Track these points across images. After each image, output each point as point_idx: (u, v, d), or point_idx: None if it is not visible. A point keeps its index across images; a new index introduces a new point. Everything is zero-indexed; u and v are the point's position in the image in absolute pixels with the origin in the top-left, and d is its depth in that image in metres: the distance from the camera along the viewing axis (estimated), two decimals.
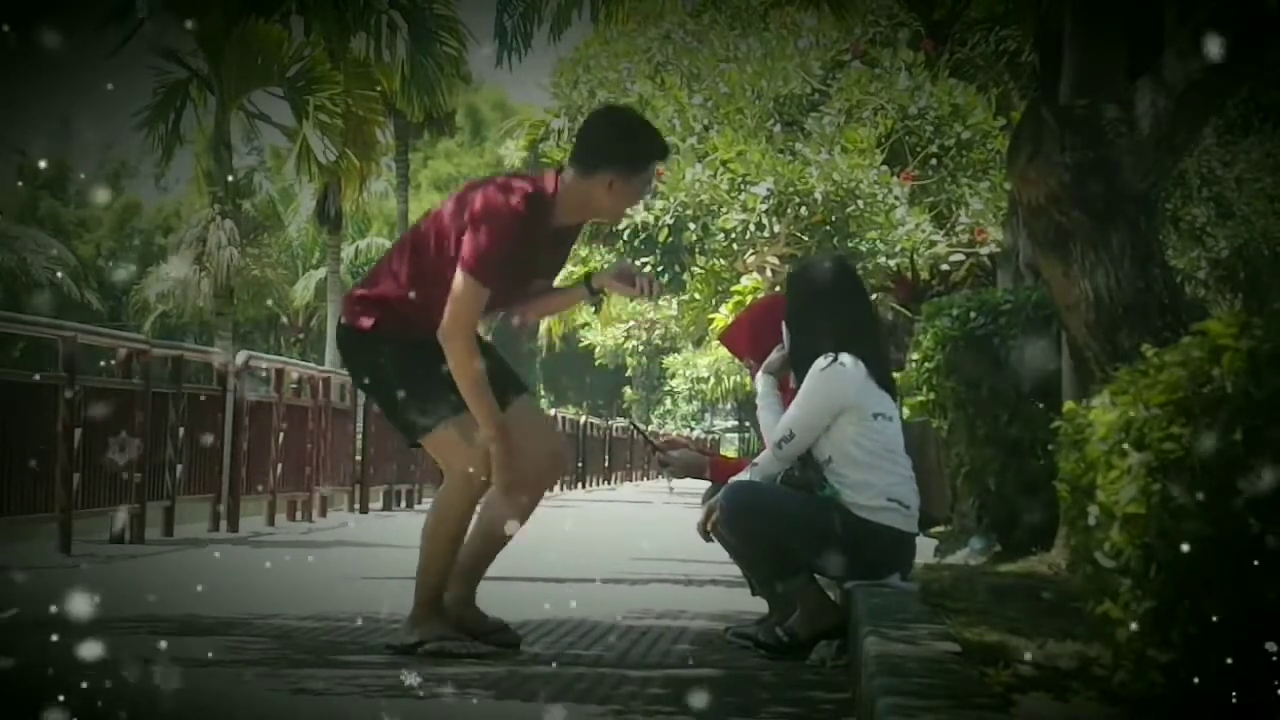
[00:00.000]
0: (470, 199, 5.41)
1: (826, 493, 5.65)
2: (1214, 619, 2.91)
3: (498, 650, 5.44)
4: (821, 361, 5.70)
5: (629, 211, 16.91)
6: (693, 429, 56.82)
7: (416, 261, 5.46)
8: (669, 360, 48.71)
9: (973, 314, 8.87)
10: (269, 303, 48.13)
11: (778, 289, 17.38)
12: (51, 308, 39.77)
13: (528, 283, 5.64)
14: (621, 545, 11.69)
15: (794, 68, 18.40)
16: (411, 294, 5.41)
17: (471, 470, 5.43)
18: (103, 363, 11.49)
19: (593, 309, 26.75)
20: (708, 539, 5.90)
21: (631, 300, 17.48)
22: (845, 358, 5.70)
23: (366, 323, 5.48)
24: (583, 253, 18.97)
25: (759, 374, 5.98)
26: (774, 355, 5.95)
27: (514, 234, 5.33)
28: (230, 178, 29.42)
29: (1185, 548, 2.92)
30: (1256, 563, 2.85)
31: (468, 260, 5.31)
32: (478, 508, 5.56)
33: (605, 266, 18.31)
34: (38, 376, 9.85)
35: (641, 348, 41.41)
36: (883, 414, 5.74)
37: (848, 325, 5.84)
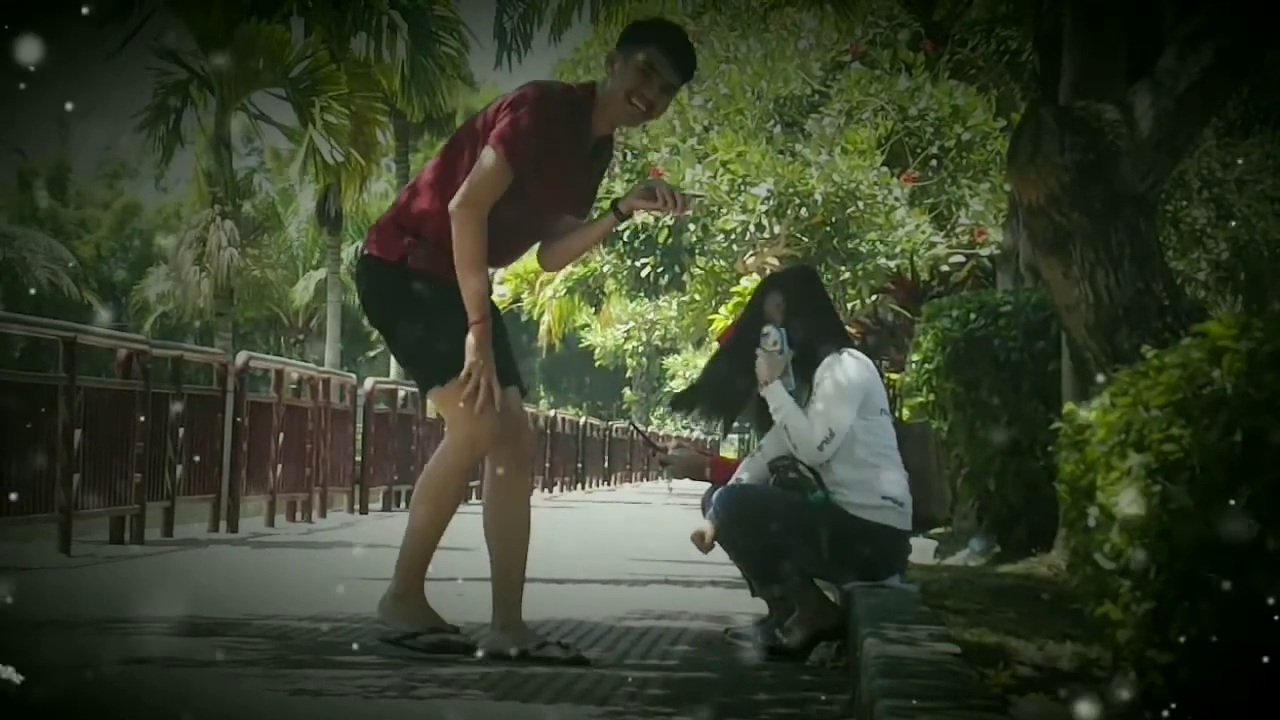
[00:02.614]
0: (505, 99, 5.29)
1: (819, 496, 5.64)
2: (1213, 621, 2.91)
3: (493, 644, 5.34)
4: (836, 355, 5.72)
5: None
6: (692, 430, 56.80)
7: (450, 179, 5.27)
8: (669, 361, 48.68)
9: (973, 315, 8.87)
10: (269, 304, 48.19)
11: None
12: (51, 308, 39.77)
13: (558, 199, 5.42)
14: (621, 546, 11.69)
15: (794, 69, 18.41)
16: (442, 218, 5.20)
17: (466, 438, 5.29)
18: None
19: (593, 309, 26.74)
20: (706, 549, 5.88)
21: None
22: (855, 351, 5.77)
23: (395, 254, 5.28)
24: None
25: (770, 387, 5.85)
26: (774, 361, 5.85)
27: (550, 116, 5.19)
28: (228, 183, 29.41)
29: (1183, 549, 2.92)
30: (1256, 564, 2.85)
31: (497, 136, 5.16)
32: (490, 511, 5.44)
33: (606, 267, 18.35)
34: (42, 380, 9.86)
35: (641, 349, 41.34)
36: (884, 410, 5.78)
37: (839, 325, 5.94)
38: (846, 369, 5.71)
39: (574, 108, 5.30)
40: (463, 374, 5.19)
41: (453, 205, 5.17)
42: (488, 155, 5.16)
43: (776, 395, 5.81)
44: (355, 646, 5.49)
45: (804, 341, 5.82)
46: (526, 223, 5.39)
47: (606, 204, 5.63)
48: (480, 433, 5.28)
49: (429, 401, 5.53)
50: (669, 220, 16.92)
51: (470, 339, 5.19)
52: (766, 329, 5.84)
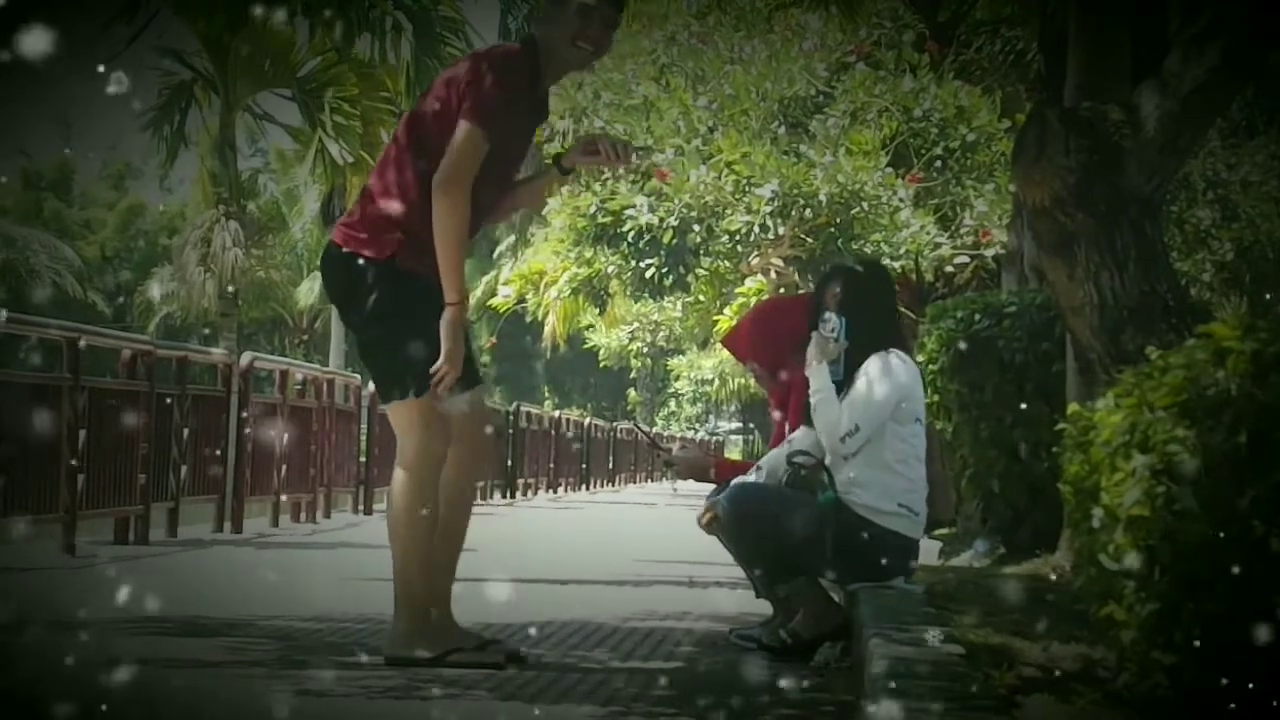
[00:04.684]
0: (457, 72, 5.18)
1: (828, 496, 5.63)
2: (1217, 621, 2.91)
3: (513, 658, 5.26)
4: (883, 354, 5.68)
5: (633, 210, 16.89)
6: (697, 431, 56.83)
7: (423, 165, 5.13)
8: (673, 362, 48.73)
9: (977, 316, 8.86)
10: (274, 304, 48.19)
11: (782, 291, 17.40)
12: (55, 309, 39.79)
13: (512, 161, 5.34)
14: (625, 547, 11.69)
15: (799, 70, 18.41)
16: (426, 210, 5.06)
17: (426, 450, 5.15)
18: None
19: (598, 310, 26.74)
20: (709, 531, 5.88)
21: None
22: (904, 355, 5.72)
23: (382, 252, 5.12)
24: (587, 254, 18.98)
25: (815, 365, 5.74)
26: (827, 345, 5.76)
27: (515, 80, 5.12)
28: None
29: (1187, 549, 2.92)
30: (1260, 565, 2.85)
31: (469, 110, 5.05)
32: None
33: (611, 268, 18.33)
34: (46, 380, 9.86)
35: (646, 349, 41.40)
36: (920, 419, 5.74)
37: (897, 328, 5.90)
38: (888, 370, 5.66)
39: (530, 66, 5.22)
40: (440, 361, 5.08)
41: (437, 183, 5.05)
42: (465, 130, 5.06)
43: (819, 377, 5.73)
44: (364, 657, 5.49)
45: (854, 335, 5.75)
46: (488, 190, 5.24)
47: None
48: (434, 441, 5.17)
49: (389, 410, 5.29)
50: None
51: (446, 321, 5.09)
52: (827, 315, 5.79)
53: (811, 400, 5.73)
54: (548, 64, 5.28)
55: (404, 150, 5.22)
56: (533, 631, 5.97)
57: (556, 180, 5.60)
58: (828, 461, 5.69)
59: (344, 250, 5.20)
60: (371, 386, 16.93)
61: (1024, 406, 8.49)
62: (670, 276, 17.65)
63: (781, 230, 17.10)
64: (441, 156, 5.10)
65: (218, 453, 12.51)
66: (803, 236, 17.36)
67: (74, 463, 9.60)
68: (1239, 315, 3.11)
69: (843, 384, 5.72)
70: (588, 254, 18.94)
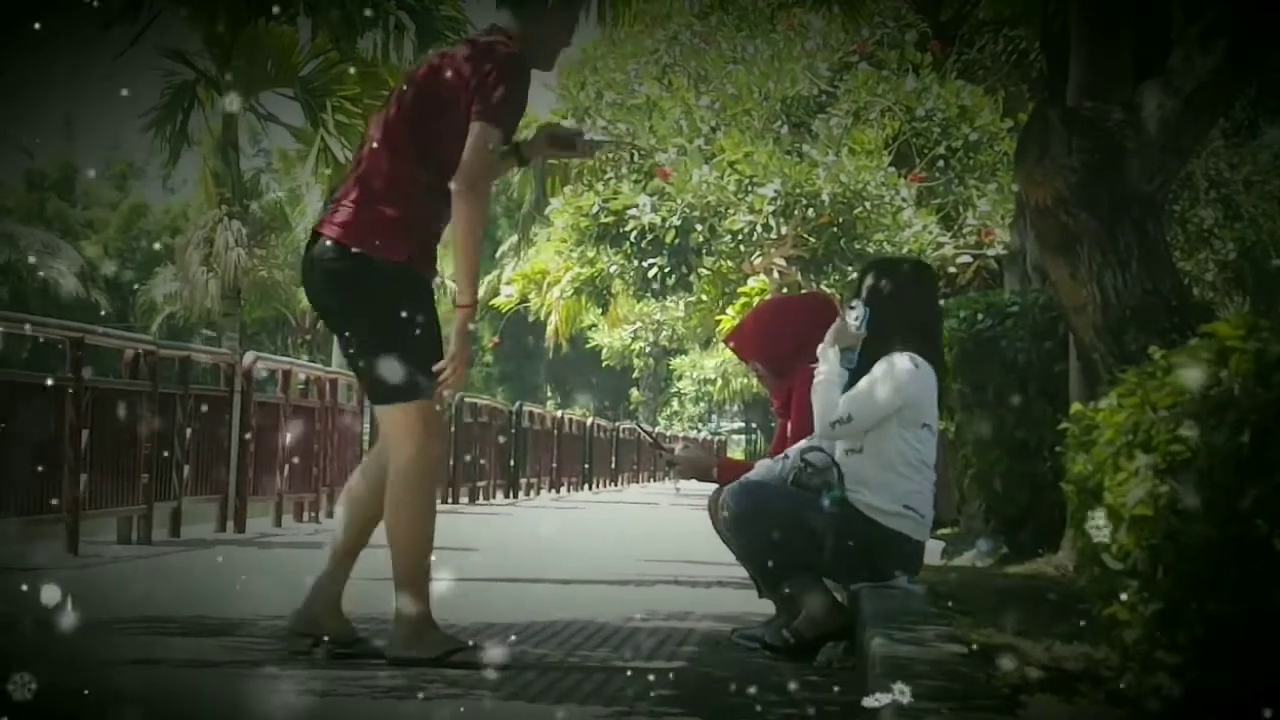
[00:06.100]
0: (457, 62, 5.10)
1: (834, 495, 5.62)
2: (1221, 621, 2.90)
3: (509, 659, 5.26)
4: (900, 357, 5.67)
5: (636, 210, 16.88)
6: (699, 431, 56.83)
7: (428, 160, 5.09)
8: (676, 362, 48.73)
9: (980, 316, 8.86)
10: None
11: (785, 290, 17.41)
12: (57, 308, 39.77)
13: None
14: (628, 547, 11.69)
15: (801, 69, 18.42)
16: (437, 211, 5.03)
17: (426, 453, 5.14)
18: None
19: (600, 310, 26.77)
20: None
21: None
22: (921, 360, 5.70)
23: (399, 254, 5.05)
24: (590, 254, 18.99)
25: (826, 347, 5.74)
26: (845, 331, 5.73)
27: (526, 81, 5.10)
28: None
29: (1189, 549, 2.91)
30: (1263, 564, 2.85)
31: (484, 113, 4.98)
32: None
33: (613, 267, 18.33)
34: (49, 380, 9.87)
35: (648, 349, 41.41)
36: (929, 425, 5.72)
37: (928, 331, 5.87)
38: (894, 372, 5.64)
39: (525, 52, 5.19)
40: (446, 360, 5.05)
41: (460, 188, 4.96)
42: (484, 133, 4.98)
43: (828, 359, 5.73)
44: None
45: (875, 329, 5.74)
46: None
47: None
48: (434, 443, 5.17)
49: (386, 412, 5.21)
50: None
51: (459, 324, 5.06)
52: (854, 302, 5.80)
53: (814, 380, 5.73)
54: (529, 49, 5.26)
55: (400, 143, 5.14)
56: (517, 634, 5.97)
57: (511, 167, 5.59)
58: (837, 457, 5.69)
59: (354, 250, 5.07)
60: None
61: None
62: (673, 276, 17.68)
63: (784, 230, 17.11)
64: (441, 151, 5.04)
65: (220, 453, 12.52)
66: (805, 236, 17.37)
67: (77, 463, 9.61)
68: (1242, 314, 3.11)
69: (856, 374, 5.71)
70: (590, 254, 18.96)
